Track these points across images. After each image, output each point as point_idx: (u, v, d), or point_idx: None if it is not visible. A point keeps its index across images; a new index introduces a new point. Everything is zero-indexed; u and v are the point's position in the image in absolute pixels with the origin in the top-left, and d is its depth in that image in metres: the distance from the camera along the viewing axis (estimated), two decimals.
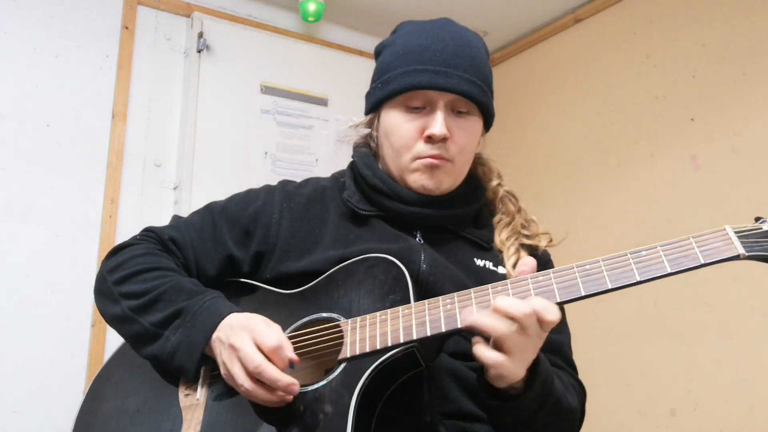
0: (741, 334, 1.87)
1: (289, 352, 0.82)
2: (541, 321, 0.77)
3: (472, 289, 0.83)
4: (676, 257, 0.76)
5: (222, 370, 0.86)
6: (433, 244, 1.01)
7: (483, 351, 0.79)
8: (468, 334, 0.82)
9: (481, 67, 1.00)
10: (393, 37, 1.07)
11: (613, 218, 2.30)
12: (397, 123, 1.01)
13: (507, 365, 0.78)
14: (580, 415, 0.97)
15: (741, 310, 1.88)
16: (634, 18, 2.35)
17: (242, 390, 0.82)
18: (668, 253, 0.76)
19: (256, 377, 0.80)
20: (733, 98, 1.99)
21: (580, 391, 1.00)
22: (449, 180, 1.02)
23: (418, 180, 1.01)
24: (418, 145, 0.99)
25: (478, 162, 1.11)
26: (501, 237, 1.04)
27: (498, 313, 0.77)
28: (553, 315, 0.77)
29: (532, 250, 1.04)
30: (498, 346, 0.78)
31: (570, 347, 1.07)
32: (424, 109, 0.99)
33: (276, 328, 0.86)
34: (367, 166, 1.06)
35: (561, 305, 1.00)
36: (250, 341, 0.82)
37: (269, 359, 0.81)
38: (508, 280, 0.83)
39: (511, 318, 0.77)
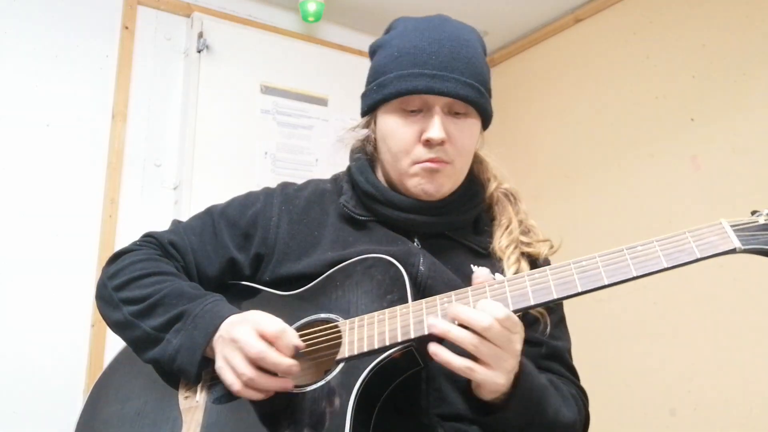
0: (741, 334, 1.87)
1: (294, 339, 0.82)
2: (503, 325, 0.77)
3: (469, 288, 0.83)
4: (672, 252, 0.76)
5: (220, 365, 0.84)
6: (430, 250, 1.00)
7: (451, 358, 0.77)
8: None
9: (477, 68, 0.98)
10: (387, 36, 1.05)
11: (613, 218, 2.30)
12: (394, 127, 0.99)
13: (480, 371, 0.77)
14: (581, 426, 0.96)
15: (741, 310, 1.87)
16: (634, 18, 2.35)
17: (244, 379, 0.81)
18: (664, 248, 0.76)
19: (258, 365, 0.80)
20: (733, 98, 1.99)
21: (581, 401, 0.98)
22: (449, 183, 1.01)
23: (418, 185, 0.99)
24: (417, 149, 0.97)
25: (475, 160, 1.09)
26: (500, 244, 1.02)
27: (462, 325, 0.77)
28: (505, 314, 0.77)
29: (533, 258, 1.02)
30: (470, 355, 0.77)
31: (570, 353, 1.05)
32: (421, 112, 0.97)
33: (278, 320, 0.86)
34: (360, 171, 1.06)
35: (551, 310, 1.00)
36: (251, 331, 0.82)
37: (273, 348, 0.81)
38: (505, 278, 0.83)
39: (475, 332, 0.76)
